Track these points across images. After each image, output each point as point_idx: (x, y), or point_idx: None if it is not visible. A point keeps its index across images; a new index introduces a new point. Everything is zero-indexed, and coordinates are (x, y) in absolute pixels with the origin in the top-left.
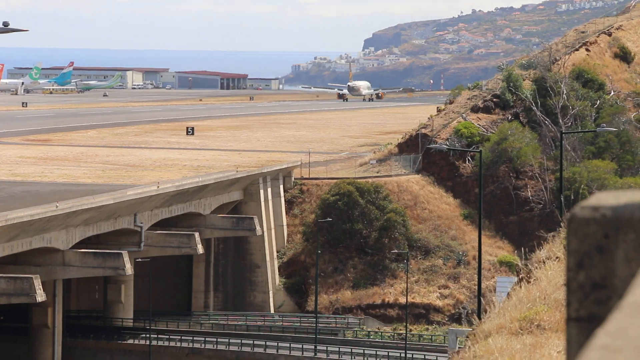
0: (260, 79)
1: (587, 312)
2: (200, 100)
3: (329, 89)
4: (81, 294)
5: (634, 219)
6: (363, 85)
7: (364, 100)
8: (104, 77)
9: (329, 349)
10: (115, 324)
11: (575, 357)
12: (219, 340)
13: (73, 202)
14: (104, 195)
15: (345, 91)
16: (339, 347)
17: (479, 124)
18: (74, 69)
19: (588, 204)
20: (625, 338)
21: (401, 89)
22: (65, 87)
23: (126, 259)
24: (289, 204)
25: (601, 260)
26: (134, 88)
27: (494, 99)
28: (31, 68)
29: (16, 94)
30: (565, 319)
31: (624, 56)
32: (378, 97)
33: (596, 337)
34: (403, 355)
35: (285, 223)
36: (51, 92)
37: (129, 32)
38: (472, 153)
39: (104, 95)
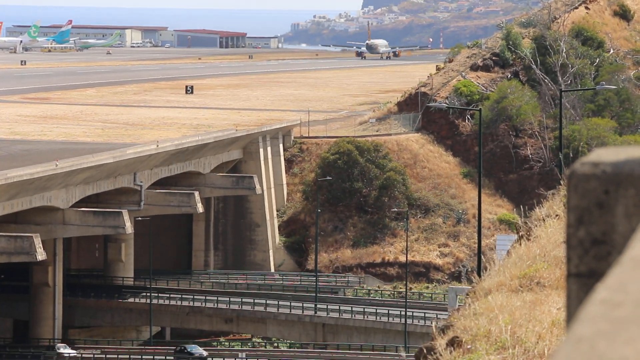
0: (260, 37)
1: (587, 267)
2: (200, 59)
3: (348, 47)
4: (81, 253)
5: (634, 175)
6: (381, 44)
7: (381, 58)
8: (103, 36)
9: (329, 307)
10: (115, 282)
11: (575, 313)
12: (219, 299)
13: (73, 161)
14: (104, 154)
15: (364, 49)
16: (339, 306)
17: (478, 83)
18: (72, 27)
19: (588, 160)
20: (625, 292)
21: (418, 47)
22: (64, 46)
23: (126, 217)
24: (289, 162)
25: (601, 216)
26: (133, 46)
27: (494, 58)
28: (30, 26)
29: (15, 52)
30: (565, 275)
31: (623, 14)
32: (395, 55)
33: (596, 292)
34: (403, 313)
35: (285, 182)
36: (50, 51)
37: None
38: (471, 111)
39: (107, 54)
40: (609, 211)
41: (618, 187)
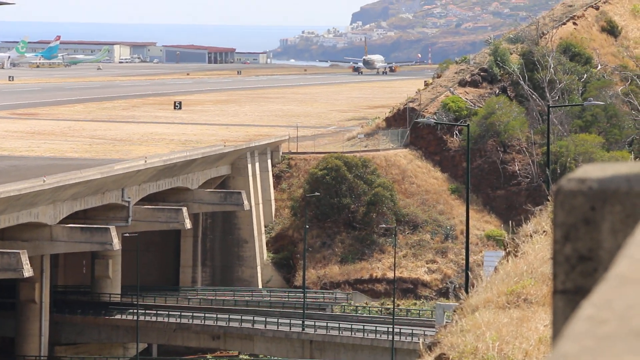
0: (248, 53)
1: (573, 284)
2: (188, 74)
3: (345, 62)
4: (68, 269)
5: (620, 191)
6: (377, 59)
7: (377, 73)
8: (91, 51)
9: (316, 324)
10: (102, 299)
11: (561, 329)
12: (206, 315)
13: (60, 177)
14: (92, 170)
15: (361, 64)
16: (327, 322)
17: (466, 98)
18: (60, 43)
19: (575, 176)
20: (610, 309)
21: (414, 63)
22: (52, 61)
23: (114, 233)
24: (277, 178)
25: (587, 232)
26: (121, 62)
27: (482, 73)
28: (18, 42)
29: (2, 67)
30: (551, 292)
31: (611, 30)
32: (392, 70)
33: (582, 309)
34: (391, 330)
35: (273, 198)
36: (38, 66)
37: (116, 4)
38: (459, 127)
39: (97, 69)
40: (595, 227)
41: (604, 204)
